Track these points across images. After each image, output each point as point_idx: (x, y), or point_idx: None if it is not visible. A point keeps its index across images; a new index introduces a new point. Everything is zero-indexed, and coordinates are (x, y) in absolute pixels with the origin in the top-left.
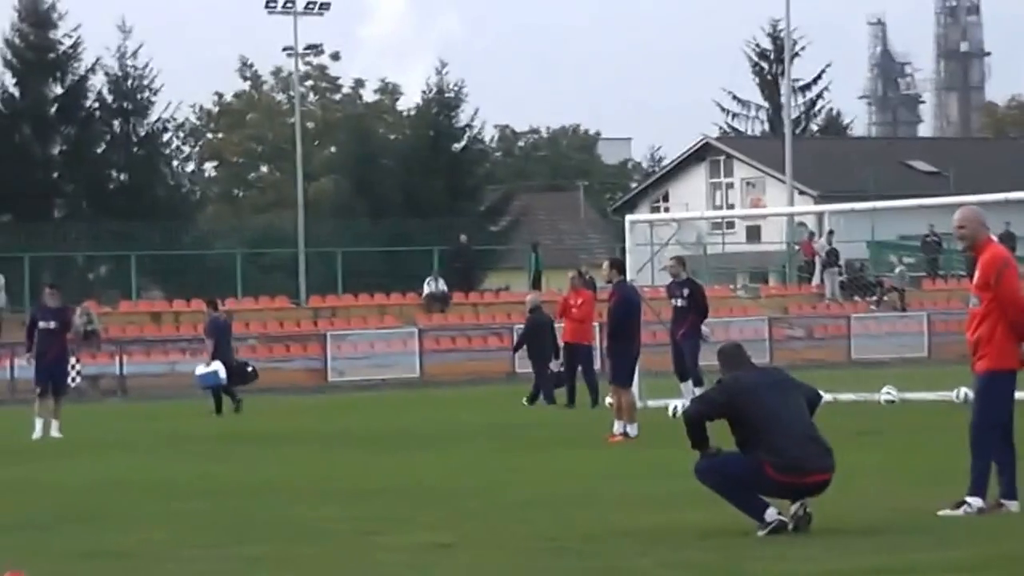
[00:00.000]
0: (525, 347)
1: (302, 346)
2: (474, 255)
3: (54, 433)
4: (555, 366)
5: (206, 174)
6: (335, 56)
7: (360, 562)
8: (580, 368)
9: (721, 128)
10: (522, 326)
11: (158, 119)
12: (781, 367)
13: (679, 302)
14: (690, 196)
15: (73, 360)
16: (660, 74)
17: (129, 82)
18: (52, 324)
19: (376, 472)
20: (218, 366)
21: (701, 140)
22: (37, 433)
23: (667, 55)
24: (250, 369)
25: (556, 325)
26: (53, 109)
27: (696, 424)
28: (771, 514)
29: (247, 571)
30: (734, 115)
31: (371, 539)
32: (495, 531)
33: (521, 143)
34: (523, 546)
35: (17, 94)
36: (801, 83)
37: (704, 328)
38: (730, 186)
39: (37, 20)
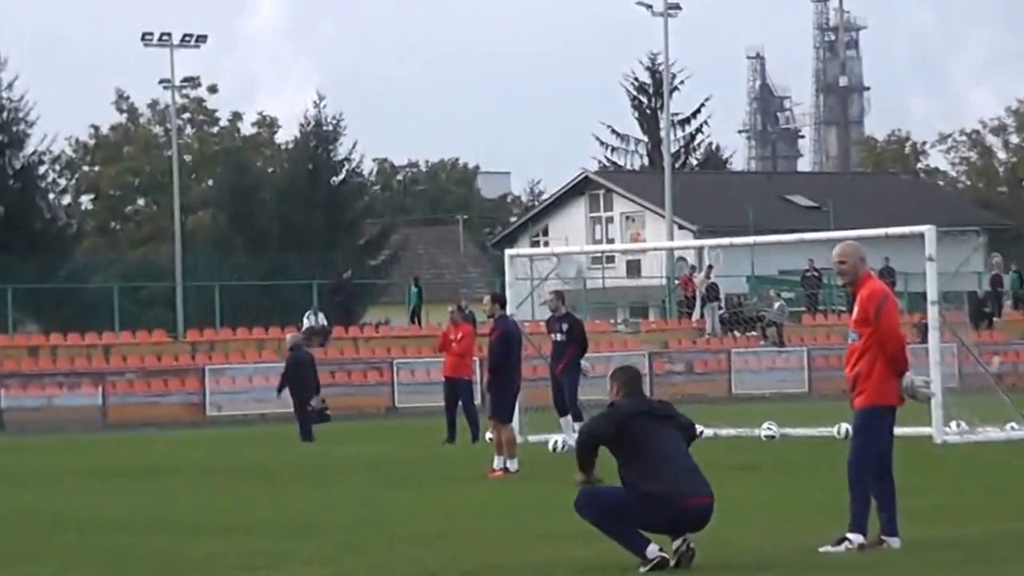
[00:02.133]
0: (288, 387)
1: (180, 380)
2: (354, 289)
3: None
4: (316, 403)
5: (83, 207)
6: (212, 89)
7: None
8: (460, 402)
9: (600, 162)
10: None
11: (34, 152)
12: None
13: (558, 336)
14: (570, 230)
15: None
16: (540, 108)
17: (4, 114)
18: None
19: (256, 506)
20: None
21: (581, 174)
22: None
23: (547, 88)
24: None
25: (431, 360)
26: None
27: (588, 444)
28: (652, 550)
29: None
30: (613, 149)
31: (252, 574)
32: (375, 566)
33: (400, 176)
34: None
35: None
36: (680, 117)
37: (584, 363)
38: (610, 220)
39: None
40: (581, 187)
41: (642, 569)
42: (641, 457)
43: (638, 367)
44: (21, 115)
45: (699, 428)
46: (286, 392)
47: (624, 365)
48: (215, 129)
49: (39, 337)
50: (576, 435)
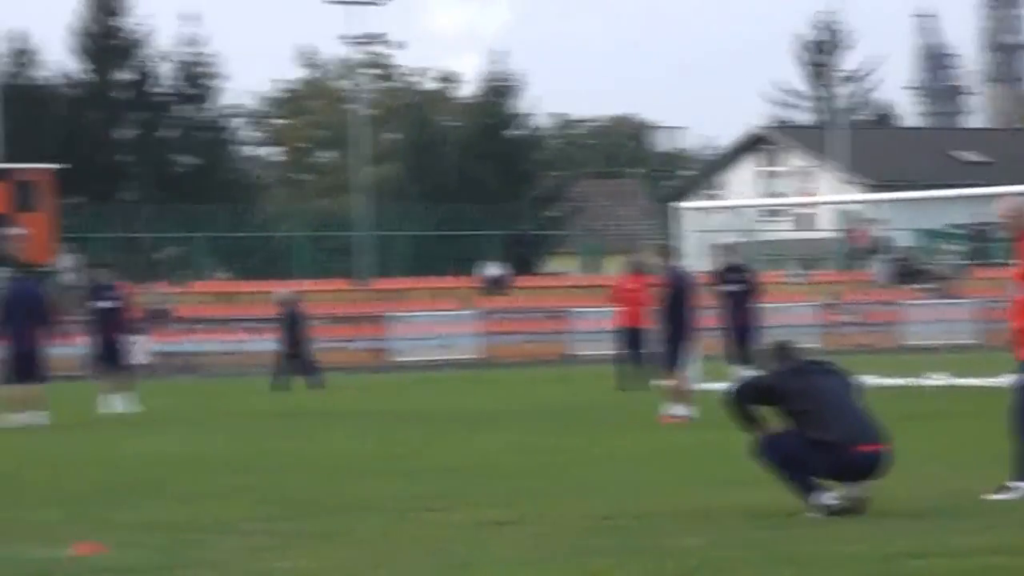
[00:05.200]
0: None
1: (363, 327)
2: (534, 240)
3: (119, 408)
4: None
5: (270, 159)
6: (396, 45)
7: (418, 538)
8: (633, 351)
9: (772, 118)
10: (280, 320)
11: (224, 105)
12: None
13: (733, 287)
14: (742, 184)
15: (144, 338)
16: (714, 64)
17: (195, 69)
18: (108, 303)
19: (434, 450)
20: None
21: (753, 130)
22: (104, 408)
23: (721, 45)
24: None
25: (605, 310)
26: (123, 94)
27: (738, 407)
28: (823, 496)
29: (305, 546)
30: (785, 105)
31: (428, 516)
32: (551, 509)
33: (576, 131)
34: (578, 524)
35: (88, 80)
36: (850, 74)
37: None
38: (781, 175)
39: (107, 8)
40: (753, 142)
41: (811, 514)
42: (806, 408)
43: (783, 341)
44: (212, 70)
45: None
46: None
47: (767, 344)
48: (398, 84)
49: (230, 284)
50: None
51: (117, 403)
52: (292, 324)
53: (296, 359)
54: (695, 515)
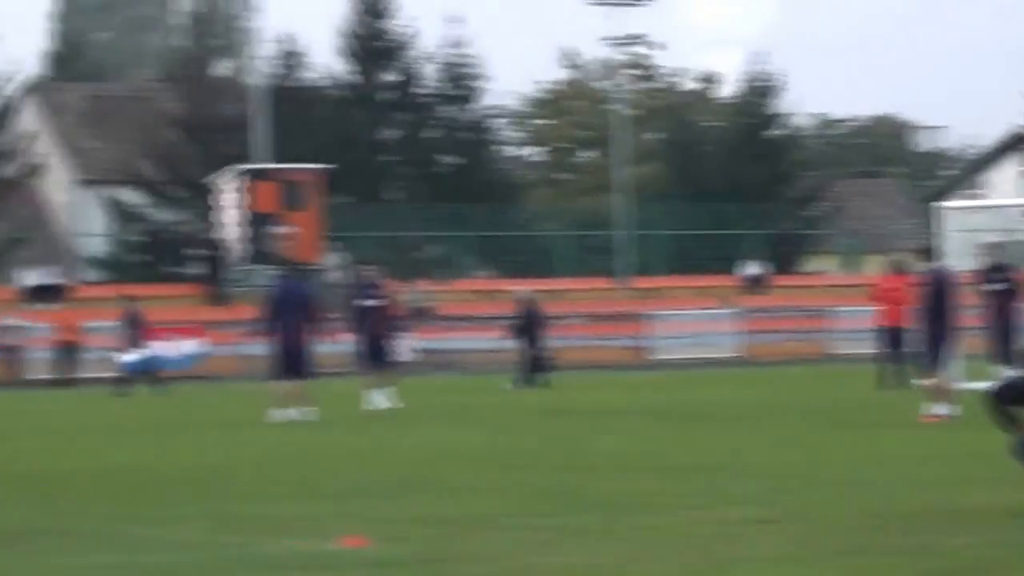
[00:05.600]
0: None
1: (624, 325)
2: (794, 239)
3: (382, 404)
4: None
5: (531, 159)
6: (656, 46)
7: (680, 535)
8: (894, 351)
9: None
10: (515, 317)
11: (486, 106)
12: None
13: (996, 286)
14: (1004, 184)
15: (407, 335)
16: (976, 62)
17: (459, 70)
18: (373, 301)
19: (694, 448)
20: (143, 353)
21: (1017, 128)
22: (369, 404)
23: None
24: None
25: (865, 309)
26: (388, 96)
27: (995, 405)
28: None
29: (570, 541)
30: None
31: (691, 513)
32: (814, 507)
33: (835, 131)
34: (841, 523)
35: (354, 82)
36: None
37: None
38: None
39: (374, 11)
40: (1016, 141)
41: None
42: None
43: None
44: (475, 71)
45: None
46: None
47: None
48: (659, 85)
49: (491, 282)
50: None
51: (380, 399)
52: (529, 322)
53: (533, 357)
54: (958, 515)
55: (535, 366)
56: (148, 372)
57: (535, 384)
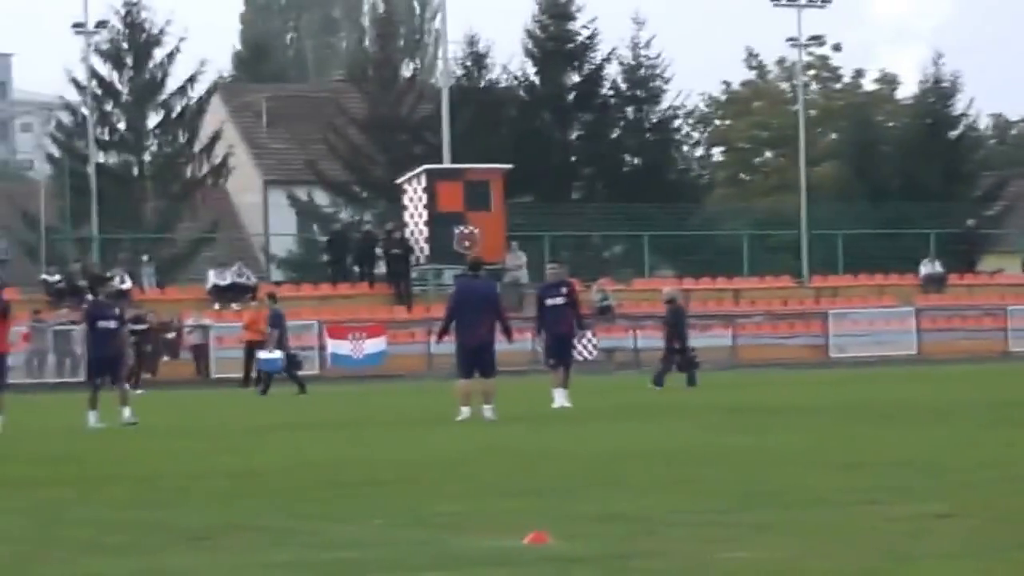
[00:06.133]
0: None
1: (805, 323)
2: (974, 238)
3: (566, 402)
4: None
5: (713, 159)
6: (836, 47)
7: (862, 530)
8: None
9: None
10: (665, 317)
11: (669, 106)
12: None
13: None
14: None
15: (589, 334)
16: None
17: (642, 71)
18: (558, 300)
19: (876, 444)
20: (280, 354)
21: None
22: (554, 402)
23: None
24: (298, 359)
25: None
26: (571, 96)
27: None
28: None
29: (753, 536)
30: None
31: (871, 508)
32: (994, 503)
33: (1014, 131)
34: (1022, 518)
35: (538, 82)
36: None
37: None
38: None
39: (557, 12)
40: None
41: None
42: None
43: None
44: (657, 72)
45: None
46: None
47: None
48: (838, 85)
49: (673, 281)
50: None
51: (563, 398)
52: (676, 320)
53: (679, 355)
54: None
55: (681, 365)
56: (287, 372)
57: (689, 382)
